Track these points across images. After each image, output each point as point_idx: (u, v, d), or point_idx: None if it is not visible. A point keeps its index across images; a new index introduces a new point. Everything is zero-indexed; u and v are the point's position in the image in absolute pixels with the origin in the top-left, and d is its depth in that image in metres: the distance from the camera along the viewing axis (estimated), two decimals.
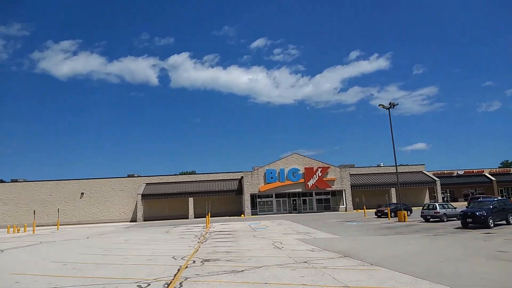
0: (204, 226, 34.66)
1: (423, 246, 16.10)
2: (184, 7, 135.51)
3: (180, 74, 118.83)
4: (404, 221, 31.34)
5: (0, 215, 54.59)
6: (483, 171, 69.48)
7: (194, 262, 12.95)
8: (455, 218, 30.40)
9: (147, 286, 8.97)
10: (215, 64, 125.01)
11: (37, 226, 53.01)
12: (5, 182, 59.15)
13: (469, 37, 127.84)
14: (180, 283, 9.14)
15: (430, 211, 29.92)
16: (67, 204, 55.68)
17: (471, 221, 23.79)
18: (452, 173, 69.11)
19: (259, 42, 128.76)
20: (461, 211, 25.06)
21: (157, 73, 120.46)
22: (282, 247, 16.82)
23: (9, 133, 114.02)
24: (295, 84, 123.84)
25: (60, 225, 52.38)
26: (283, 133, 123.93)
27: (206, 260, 13.23)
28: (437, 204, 30.48)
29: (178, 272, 10.85)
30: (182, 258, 14.03)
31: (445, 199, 62.05)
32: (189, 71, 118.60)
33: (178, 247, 18.86)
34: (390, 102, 33.63)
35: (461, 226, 24.64)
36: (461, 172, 69.56)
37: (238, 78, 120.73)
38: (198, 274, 10.32)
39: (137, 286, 9.00)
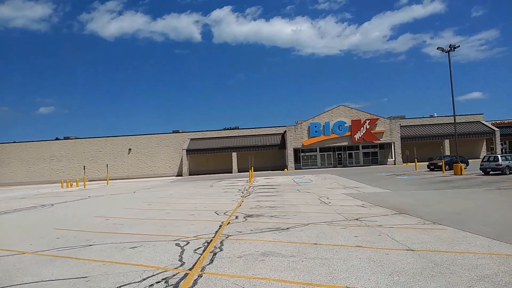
0: (247, 180, 34.38)
1: (488, 201, 14.46)
2: None
3: (222, 29, 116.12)
4: (461, 174, 29.19)
5: (55, 171, 57.71)
6: None
7: (236, 217, 12.29)
8: None
9: (186, 244, 8.33)
10: (258, 17, 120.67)
11: (88, 181, 55.72)
12: (59, 139, 61.95)
13: None
14: (221, 242, 8.41)
15: (491, 163, 27.53)
16: (116, 159, 57.67)
17: None
18: None
19: None
20: None
21: (200, 29, 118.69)
22: (329, 202, 15.81)
23: (63, 94, 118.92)
24: (341, 34, 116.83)
25: (110, 179, 54.67)
26: (328, 86, 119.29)
27: (249, 216, 12.52)
28: (499, 155, 27.93)
29: (219, 229, 10.18)
30: (224, 213, 13.44)
31: (503, 150, 57.74)
32: (232, 25, 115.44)
33: (221, 201, 18.42)
34: (450, 45, 30.36)
35: None
36: None
37: (281, 30, 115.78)
38: (240, 232, 9.57)
39: (176, 244, 8.38)
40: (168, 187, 31.57)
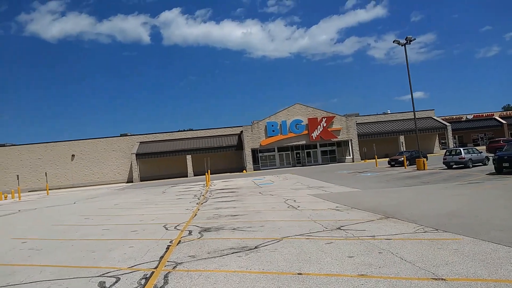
0: (204, 185, 31.79)
1: (471, 197, 13.04)
2: None
3: (172, 31, 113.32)
4: (424, 169, 28.39)
5: None
6: (493, 115, 66.24)
7: (190, 233, 9.86)
8: (480, 164, 27.54)
9: (114, 283, 5.80)
10: (208, 19, 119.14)
11: (28, 191, 50.47)
12: None
13: None
14: (166, 276, 5.98)
15: (454, 157, 26.88)
16: (58, 167, 52.68)
17: (508, 165, 20.75)
18: (461, 118, 65.93)
19: None
20: (496, 155, 21.96)
21: (148, 30, 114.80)
22: (298, 206, 13.74)
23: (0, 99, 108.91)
24: (290, 37, 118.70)
25: (52, 189, 49.73)
26: (280, 87, 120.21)
27: (206, 230, 10.13)
28: (461, 148, 27.40)
29: (166, 252, 7.71)
30: (175, 227, 10.95)
31: (455, 144, 59.16)
32: (181, 28, 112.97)
33: (173, 210, 15.84)
34: (406, 37, 29.59)
35: (494, 171, 21.67)
36: (470, 117, 66.39)
37: (232, 33, 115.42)
38: (193, 256, 7.17)
39: (99, 284, 5.82)
40: (115, 196, 28.29)
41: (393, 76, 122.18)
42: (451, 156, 27.16)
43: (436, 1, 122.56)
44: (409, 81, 30.26)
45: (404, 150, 43.24)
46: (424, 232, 7.87)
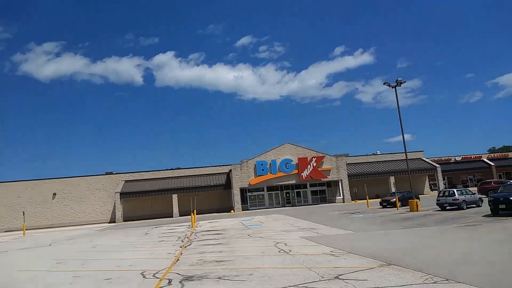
0: (189, 226, 30.39)
1: (473, 242, 12.22)
2: (170, 6, 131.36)
3: (165, 73, 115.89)
4: (417, 210, 27.63)
5: None
6: (481, 156, 66.69)
7: (169, 282, 8.77)
8: (474, 205, 26.92)
9: None
10: (201, 62, 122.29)
11: (5, 231, 47.98)
12: None
13: (451, 31, 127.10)
14: None
15: (448, 198, 26.24)
16: (38, 206, 50.46)
17: (505, 207, 20.15)
18: (450, 159, 66.09)
19: (244, 40, 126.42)
20: (491, 196, 21.40)
21: (141, 72, 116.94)
22: (290, 251, 12.72)
23: None
24: (280, 80, 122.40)
25: (30, 229, 47.36)
26: (270, 128, 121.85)
27: (188, 278, 9.05)
28: (455, 190, 26.85)
29: None
30: (154, 275, 9.83)
31: (444, 186, 58.85)
32: (174, 70, 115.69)
33: (154, 254, 14.63)
34: (396, 80, 29.75)
35: (489, 213, 21.03)
36: (458, 158, 66.60)
37: (224, 76, 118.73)
38: None
39: None
40: (94, 237, 26.71)
41: (381, 119, 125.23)
42: (444, 198, 26.51)
43: (421, 49, 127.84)
44: (400, 122, 30.16)
45: (396, 191, 42.56)
46: (434, 283, 6.97)
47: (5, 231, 48.14)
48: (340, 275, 8.20)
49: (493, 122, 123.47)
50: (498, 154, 70.35)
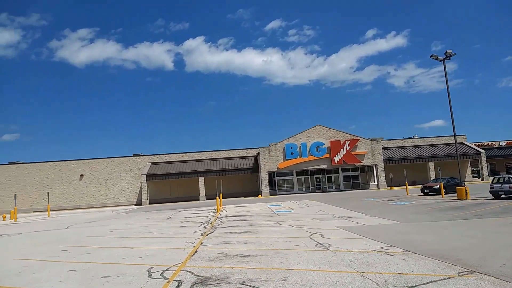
0: (214, 210, 28.66)
1: None
2: None
3: (195, 58, 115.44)
4: (467, 198, 24.70)
5: None
6: None
7: (179, 285, 6.75)
8: None
9: None
10: (230, 47, 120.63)
11: (33, 211, 48.19)
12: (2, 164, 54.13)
13: (488, 12, 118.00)
14: None
15: (503, 185, 23.15)
16: (65, 187, 50.37)
17: None
18: (493, 144, 61.51)
19: (274, 24, 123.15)
20: None
21: (172, 57, 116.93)
22: (330, 245, 10.50)
23: (28, 121, 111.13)
24: (310, 65, 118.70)
25: (57, 210, 47.38)
26: (298, 114, 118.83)
27: (202, 282, 7.01)
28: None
29: None
30: (162, 274, 7.88)
31: (488, 173, 54.67)
32: (204, 55, 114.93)
33: (171, 243, 12.77)
34: (446, 52, 26.48)
35: None
36: (503, 144, 61.90)
37: (252, 60, 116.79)
38: None
39: None
40: (115, 220, 25.40)
41: (413, 104, 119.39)
42: (499, 185, 23.43)
43: (457, 31, 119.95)
44: (449, 96, 26.96)
45: (440, 177, 39.11)
46: None
47: (34, 211, 48.36)
48: (411, 287, 5.91)
49: None
50: None
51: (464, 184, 29.48)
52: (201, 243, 12.39)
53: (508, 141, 62.21)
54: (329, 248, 10.05)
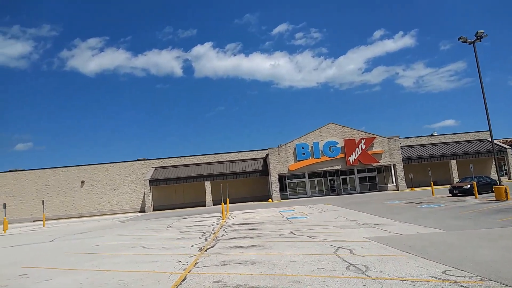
0: (220, 217, 25.89)
1: None
2: None
3: (203, 64, 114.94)
4: (507, 199, 21.59)
5: None
6: None
7: None
8: None
9: None
10: (238, 52, 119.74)
11: (33, 221, 45.97)
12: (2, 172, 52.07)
13: (496, 11, 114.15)
14: None
15: None
16: (66, 194, 48.03)
17: None
18: None
19: (280, 28, 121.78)
20: None
21: (181, 64, 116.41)
22: (367, 268, 7.67)
23: (40, 130, 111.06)
24: (318, 67, 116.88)
25: (57, 219, 45.13)
26: (308, 115, 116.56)
27: None
28: None
29: None
30: None
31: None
32: (212, 61, 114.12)
33: (157, 264, 10.02)
34: (477, 33, 23.44)
35: None
36: None
37: (260, 65, 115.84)
38: None
39: None
40: (110, 230, 22.79)
41: (423, 104, 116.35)
42: None
43: (465, 31, 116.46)
44: (481, 81, 23.79)
45: (473, 175, 35.71)
46: None
47: (34, 221, 46.12)
48: None
49: None
50: None
51: (495, 184, 26.44)
52: (196, 263, 9.62)
53: None
54: (368, 273, 7.20)
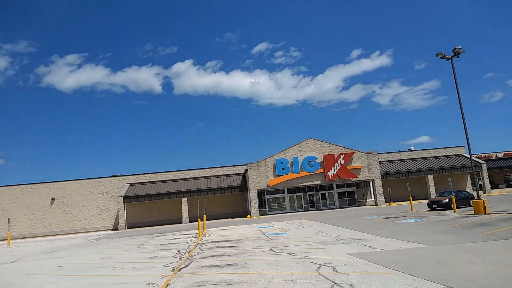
0: (197, 234, 24.91)
1: None
2: (188, 16, 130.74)
3: (183, 81, 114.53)
4: (485, 213, 21.58)
5: None
6: None
7: None
8: None
9: None
10: (218, 70, 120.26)
11: None
12: None
13: (469, 31, 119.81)
14: None
15: None
16: (35, 212, 45.77)
17: None
18: (490, 156, 59.30)
19: (261, 46, 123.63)
20: None
21: (160, 81, 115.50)
22: (351, 286, 7.13)
23: (14, 147, 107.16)
24: (297, 85, 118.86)
25: (26, 238, 42.85)
26: (287, 132, 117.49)
27: None
28: None
29: None
30: None
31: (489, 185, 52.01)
32: (192, 78, 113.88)
33: (127, 286, 9.14)
34: (454, 49, 23.77)
35: None
36: (500, 155, 59.77)
37: (240, 82, 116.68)
38: None
39: None
40: (79, 250, 21.46)
41: (399, 122, 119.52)
42: None
43: (439, 49, 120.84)
44: (460, 103, 24.08)
45: (451, 189, 35.87)
46: None
47: None
48: None
49: None
50: None
51: (472, 198, 26.61)
52: (167, 284, 8.83)
53: (506, 152, 60.14)
54: None
